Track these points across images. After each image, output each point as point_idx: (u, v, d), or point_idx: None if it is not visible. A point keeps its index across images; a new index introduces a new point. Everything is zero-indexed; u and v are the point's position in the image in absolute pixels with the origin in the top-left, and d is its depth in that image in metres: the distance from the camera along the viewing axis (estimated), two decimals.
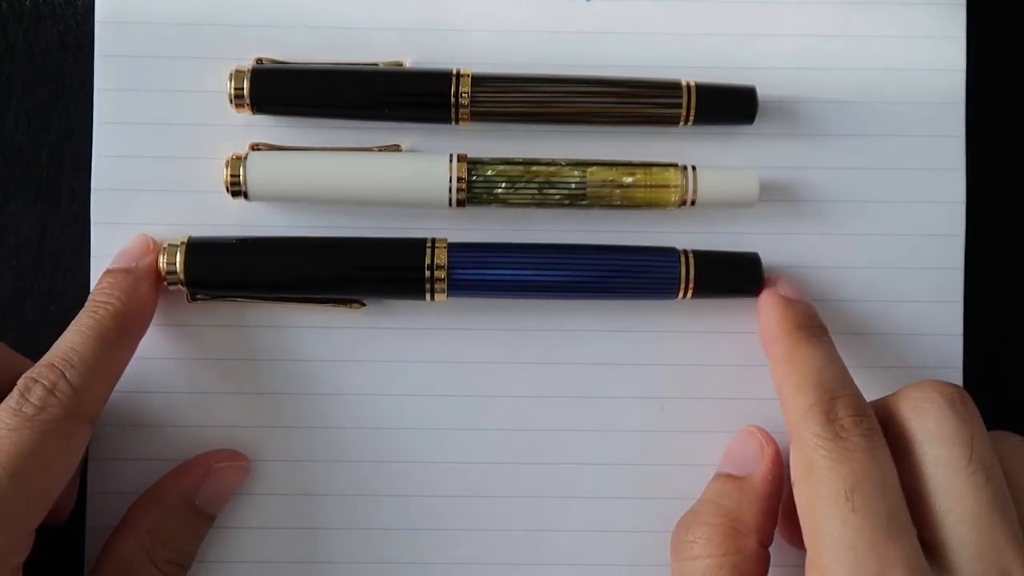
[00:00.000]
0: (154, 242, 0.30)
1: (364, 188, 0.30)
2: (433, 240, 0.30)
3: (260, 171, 0.30)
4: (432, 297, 0.29)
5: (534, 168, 0.30)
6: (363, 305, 0.31)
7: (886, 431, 0.25)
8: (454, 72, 0.30)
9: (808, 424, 0.25)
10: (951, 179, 0.32)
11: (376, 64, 0.31)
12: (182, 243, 0.29)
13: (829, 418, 0.25)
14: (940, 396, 0.25)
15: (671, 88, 0.30)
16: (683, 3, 0.32)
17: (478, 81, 0.30)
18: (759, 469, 0.28)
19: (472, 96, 0.30)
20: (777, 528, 0.28)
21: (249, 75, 0.30)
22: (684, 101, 0.30)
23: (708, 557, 0.26)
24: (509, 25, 0.31)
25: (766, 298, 0.29)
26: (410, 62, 0.31)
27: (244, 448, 0.31)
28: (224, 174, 0.30)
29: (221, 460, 0.30)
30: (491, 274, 0.29)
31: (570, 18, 0.31)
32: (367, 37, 0.31)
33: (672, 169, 0.30)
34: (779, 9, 0.32)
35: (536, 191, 0.30)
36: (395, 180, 0.30)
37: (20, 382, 0.26)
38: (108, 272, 0.29)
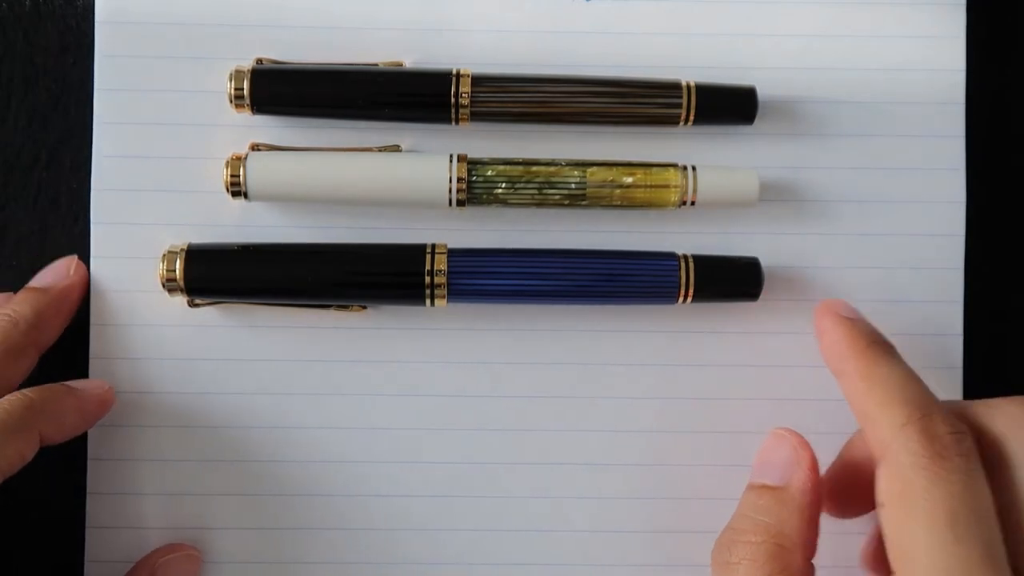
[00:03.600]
0: (78, 265, 0.31)
1: (364, 188, 0.30)
2: (433, 246, 0.30)
3: (260, 171, 0.30)
4: (432, 303, 0.29)
5: (534, 168, 0.30)
6: (364, 308, 0.31)
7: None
8: (454, 72, 0.30)
9: (904, 442, 0.23)
10: (951, 179, 0.32)
11: (376, 64, 0.31)
12: (181, 250, 0.29)
13: (928, 434, 0.23)
14: None
15: (671, 88, 0.30)
16: (683, 3, 0.32)
17: (478, 81, 0.30)
18: (796, 477, 0.26)
19: (472, 96, 0.30)
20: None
21: (249, 75, 0.30)
22: (684, 101, 0.30)
23: None
24: (509, 25, 0.31)
25: (829, 320, 0.28)
26: (410, 62, 0.31)
27: (244, 448, 0.31)
28: (224, 174, 0.30)
29: (164, 555, 0.30)
30: (491, 283, 0.29)
31: (570, 18, 0.31)
32: (367, 37, 0.31)
33: (672, 169, 0.30)
34: (779, 9, 0.32)
35: (536, 191, 0.30)
36: (395, 180, 0.30)
37: None
38: (25, 290, 0.30)
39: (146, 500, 0.31)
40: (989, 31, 0.32)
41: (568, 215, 0.31)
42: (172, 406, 0.31)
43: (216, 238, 0.30)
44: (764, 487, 0.26)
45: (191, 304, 0.30)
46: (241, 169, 0.30)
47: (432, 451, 0.31)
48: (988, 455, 0.24)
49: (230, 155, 0.30)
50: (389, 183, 0.30)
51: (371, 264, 0.30)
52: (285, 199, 0.30)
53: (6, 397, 0.27)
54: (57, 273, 0.30)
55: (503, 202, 0.30)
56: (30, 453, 0.27)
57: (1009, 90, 0.33)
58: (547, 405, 0.31)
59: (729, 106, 0.31)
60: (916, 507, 0.22)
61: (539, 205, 0.30)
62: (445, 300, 0.29)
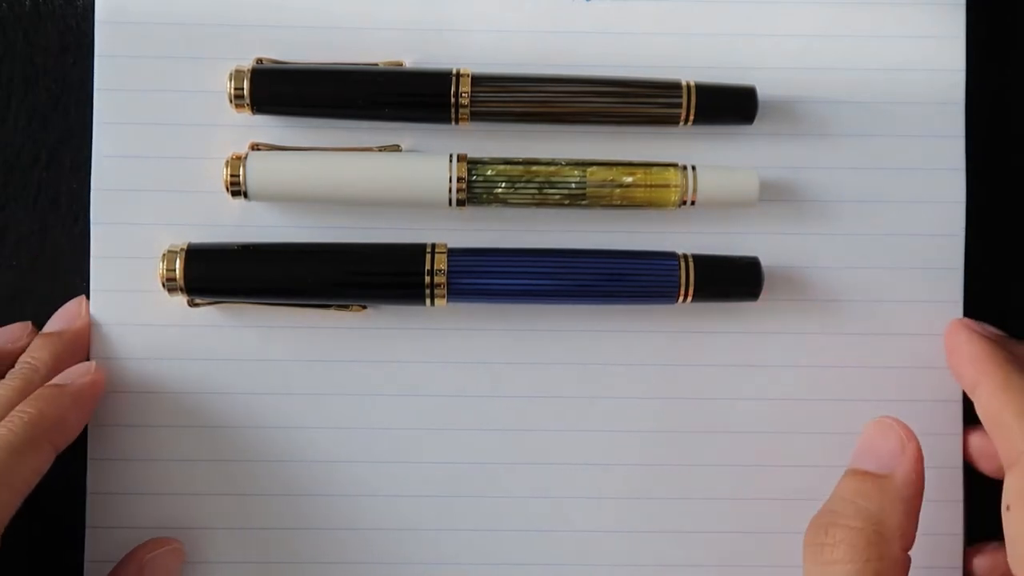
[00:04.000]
0: (86, 306, 0.31)
1: (364, 188, 0.30)
2: (433, 246, 0.30)
3: (260, 171, 0.30)
4: (432, 303, 0.29)
5: (534, 168, 0.30)
6: (364, 308, 0.31)
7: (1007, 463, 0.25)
8: (454, 72, 0.30)
9: None
10: (951, 179, 0.32)
11: (376, 64, 0.31)
12: (181, 249, 0.29)
13: None
14: None
15: (671, 88, 0.30)
16: (683, 3, 0.32)
17: (478, 81, 0.30)
18: (902, 467, 0.26)
19: (472, 96, 0.30)
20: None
21: (249, 75, 0.30)
22: (684, 101, 0.30)
23: (849, 563, 0.24)
24: (509, 25, 0.31)
25: (964, 332, 0.30)
26: (410, 62, 0.31)
27: (244, 448, 0.31)
28: (224, 174, 0.30)
29: (151, 550, 0.30)
30: (491, 283, 0.29)
31: (570, 18, 0.31)
32: (367, 37, 0.31)
33: (672, 169, 0.30)
34: (779, 9, 0.32)
35: (536, 191, 0.30)
36: (395, 180, 0.30)
37: None
38: (40, 335, 0.30)
39: (146, 500, 0.31)
40: (989, 31, 0.32)
41: (568, 215, 0.31)
42: (172, 406, 0.31)
43: (216, 238, 0.30)
44: (867, 474, 0.26)
45: (191, 304, 0.30)
46: (241, 169, 0.30)
47: (432, 451, 0.31)
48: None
49: (230, 155, 0.30)
50: (389, 183, 0.30)
51: (371, 264, 0.30)
52: (285, 199, 0.30)
53: (7, 417, 0.27)
54: (76, 372, 0.30)
55: (503, 202, 0.30)
56: (45, 466, 0.27)
57: (1009, 90, 0.33)
58: (547, 405, 0.31)
59: (729, 106, 0.31)
60: None
61: (539, 205, 0.30)
62: (445, 300, 0.29)
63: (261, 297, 0.30)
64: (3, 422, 0.27)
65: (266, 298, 0.30)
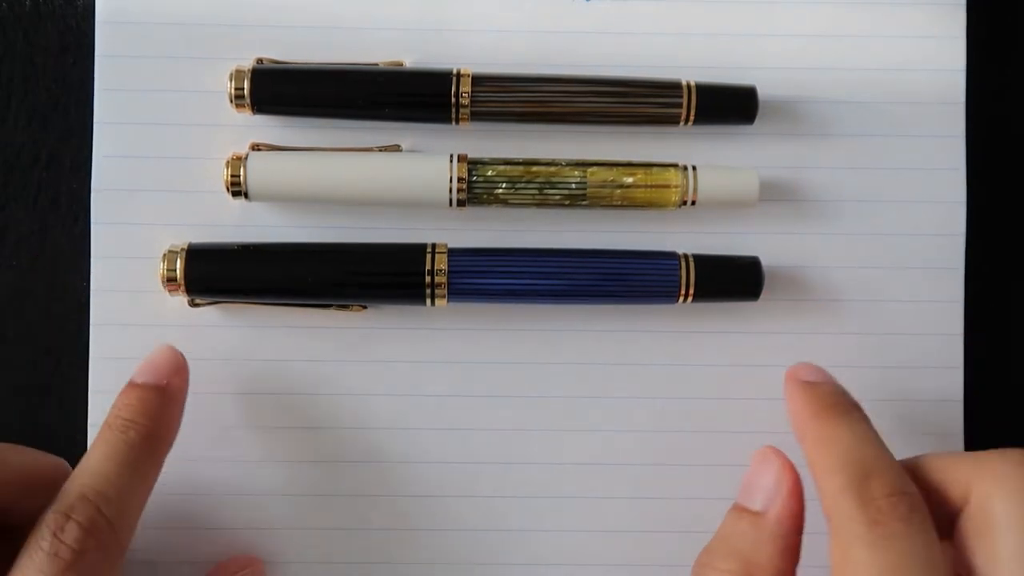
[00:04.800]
0: (182, 359, 0.28)
1: (364, 188, 0.30)
2: (433, 246, 0.30)
3: (260, 171, 0.30)
4: (432, 303, 0.29)
5: (534, 168, 0.30)
6: (364, 308, 0.31)
7: (955, 498, 0.24)
8: (454, 72, 0.30)
9: (841, 507, 0.23)
10: (951, 179, 0.32)
11: (376, 64, 0.31)
12: (182, 249, 0.29)
13: (863, 499, 0.22)
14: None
15: (671, 88, 0.30)
16: (683, 3, 0.32)
17: (478, 81, 0.30)
18: (775, 506, 0.25)
19: (472, 96, 0.30)
20: None
21: (249, 75, 0.30)
22: (684, 101, 0.30)
23: None
24: (509, 25, 0.31)
25: (788, 387, 0.28)
26: (410, 62, 0.31)
27: (243, 448, 0.31)
28: (224, 174, 0.30)
29: (238, 568, 0.29)
30: (491, 283, 0.29)
31: (570, 18, 0.31)
32: (367, 37, 0.31)
33: (672, 169, 0.30)
34: (779, 9, 0.32)
35: (536, 191, 0.30)
36: (395, 180, 0.30)
37: (50, 518, 0.23)
38: (135, 387, 0.27)
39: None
40: (989, 31, 0.32)
41: (568, 215, 0.31)
42: None
43: (216, 238, 0.30)
44: (744, 511, 0.26)
45: (191, 304, 0.30)
46: (241, 169, 0.30)
47: (432, 451, 0.31)
48: (973, 515, 0.23)
49: (230, 155, 0.30)
50: (389, 183, 0.30)
51: (371, 264, 0.30)
52: (285, 199, 0.30)
53: (125, 429, 0.26)
54: (164, 367, 0.28)
55: (503, 202, 0.30)
56: (157, 472, 0.26)
57: (1009, 90, 0.33)
58: (547, 405, 0.31)
59: (729, 106, 0.31)
60: (858, 565, 0.22)
61: (539, 205, 0.30)
62: (445, 300, 0.29)
63: (261, 297, 0.30)
64: (120, 435, 0.25)
65: (266, 298, 0.30)
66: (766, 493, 0.26)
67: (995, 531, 0.22)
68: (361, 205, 0.31)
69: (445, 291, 0.29)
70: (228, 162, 0.30)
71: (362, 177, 0.30)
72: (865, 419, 0.26)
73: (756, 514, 0.25)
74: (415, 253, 0.29)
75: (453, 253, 0.29)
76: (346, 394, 0.31)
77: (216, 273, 0.29)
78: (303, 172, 0.30)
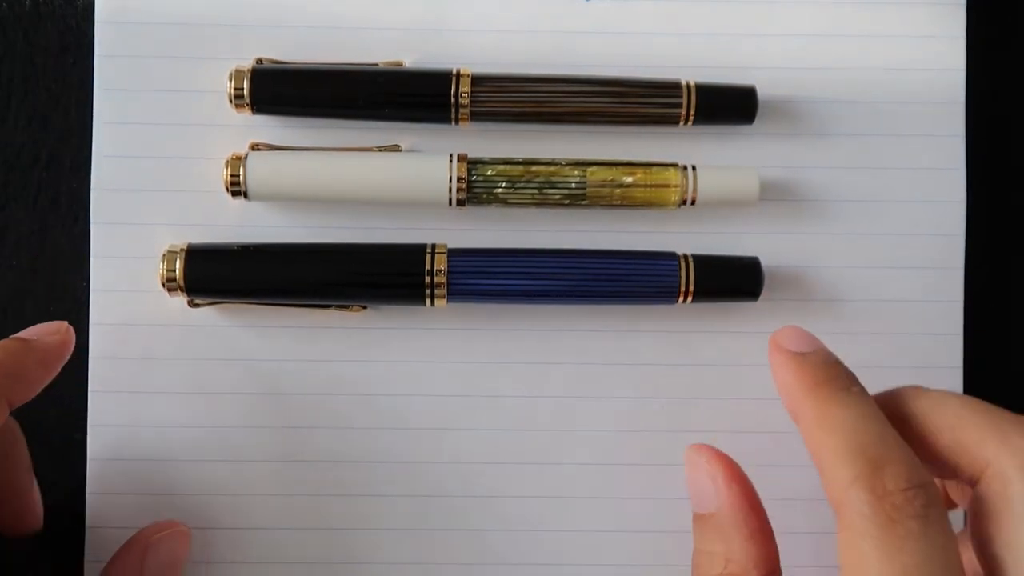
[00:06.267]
0: (65, 325, 0.28)
1: (364, 188, 0.30)
2: (433, 246, 0.30)
3: (260, 171, 0.30)
4: (432, 303, 0.29)
5: (534, 168, 0.30)
6: (363, 308, 0.31)
7: (967, 467, 0.22)
8: (454, 72, 0.30)
9: (853, 503, 0.21)
10: (951, 179, 0.32)
11: (376, 64, 0.31)
12: (181, 250, 0.29)
13: (876, 494, 0.21)
14: None
15: (671, 88, 0.30)
16: (683, 3, 0.32)
17: (478, 81, 0.30)
18: (719, 500, 0.24)
19: (472, 96, 0.30)
20: None
21: (249, 75, 0.30)
22: (684, 101, 0.30)
23: None
24: (509, 25, 0.31)
25: (775, 357, 0.25)
26: (410, 62, 0.31)
27: (244, 448, 0.31)
28: (224, 174, 0.30)
29: (155, 532, 0.29)
30: (491, 283, 0.29)
31: (570, 18, 0.31)
32: (367, 37, 0.31)
33: (672, 169, 0.30)
34: (779, 9, 0.32)
35: (536, 191, 0.30)
36: (395, 180, 0.30)
37: None
38: (9, 338, 0.27)
39: (146, 500, 0.31)
40: (989, 31, 0.32)
41: (568, 215, 0.31)
42: (172, 406, 0.31)
43: (216, 238, 0.30)
44: (700, 517, 0.25)
45: (191, 304, 0.30)
46: (241, 169, 0.30)
47: (431, 451, 0.31)
48: (990, 494, 0.22)
49: (230, 155, 0.30)
50: (389, 183, 0.30)
51: (371, 264, 0.30)
52: (285, 199, 0.30)
53: None
54: (46, 330, 0.28)
55: (503, 202, 0.30)
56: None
57: (1009, 90, 0.33)
58: (547, 405, 0.31)
59: (729, 106, 0.31)
60: (869, 567, 0.20)
61: (539, 205, 0.30)
62: (445, 300, 0.29)
63: (261, 297, 0.30)
64: None
65: (266, 298, 0.30)
66: (707, 494, 0.25)
67: (1016, 517, 0.21)
68: (361, 205, 0.31)
69: (445, 291, 0.29)
70: (228, 162, 0.30)
71: (362, 177, 0.30)
72: (865, 394, 0.24)
73: (711, 515, 0.25)
74: (415, 254, 0.29)
75: (453, 253, 0.29)
76: (346, 394, 0.31)
77: (216, 273, 0.29)
78: (303, 172, 0.30)
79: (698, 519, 0.25)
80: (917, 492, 0.21)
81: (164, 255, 0.29)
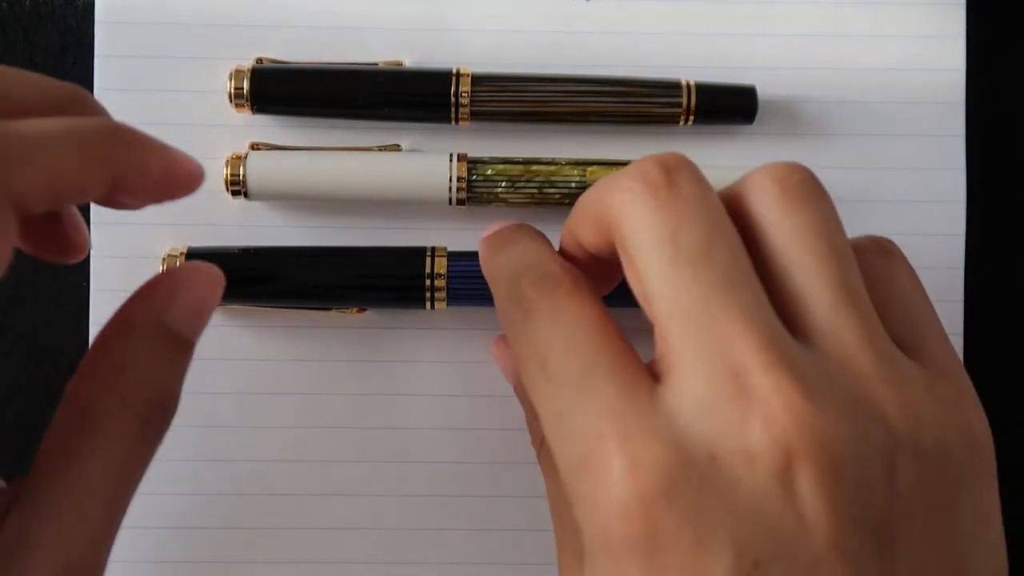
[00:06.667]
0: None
1: (364, 188, 0.30)
2: (433, 249, 0.30)
3: (260, 171, 0.30)
4: (432, 306, 0.29)
5: (534, 168, 0.30)
6: (364, 310, 0.31)
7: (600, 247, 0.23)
8: (454, 72, 0.30)
9: (627, 184, 0.21)
10: (951, 179, 0.32)
11: (376, 64, 0.31)
12: (181, 253, 0.29)
13: (513, 296, 0.22)
14: (638, 188, 0.21)
15: (671, 88, 0.30)
16: (683, 3, 0.32)
17: (478, 81, 0.30)
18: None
19: (472, 96, 0.30)
20: None
21: (249, 75, 0.30)
22: (684, 101, 0.30)
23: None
24: (509, 25, 0.31)
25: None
26: (410, 62, 0.31)
27: (244, 448, 0.31)
28: (224, 174, 0.30)
29: (191, 270, 0.24)
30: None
31: (570, 18, 0.31)
32: (367, 37, 0.31)
33: None
34: (779, 9, 0.32)
35: (536, 191, 0.30)
36: (395, 180, 0.30)
37: None
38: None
39: (146, 500, 0.30)
40: (989, 31, 0.32)
41: (568, 214, 0.31)
42: None
43: (216, 238, 0.30)
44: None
45: None
46: (241, 169, 0.30)
47: (431, 452, 0.31)
48: (621, 256, 0.22)
49: (230, 155, 0.30)
50: (389, 183, 0.30)
51: (371, 267, 0.30)
52: (285, 199, 0.30)
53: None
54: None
55: (503, 202, 0.30)
56: (95, 185, 0.21)
57: (1009, 90, 0.33)
58: None
59: (729, 106, 0.31)
60: (519, 352, 0.21)
61: (539, 204, 0.30)
62: (445, 303, 0.29)
63: (261, 300, 0.30)
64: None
65: (266, 301, 0.30)
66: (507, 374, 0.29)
67: (642, 264, 0.20)
68: (361, 205, 0.31)
69: (445, 295, 0.29)
70: (228, 162, 0.30)
71: (362, 177, 0.30)
72: (532, 237, 0.25)
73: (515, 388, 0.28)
74: (414, 256, 0.29)
75: (453, 257, 0.29)
76: (346, 394, 0.31)
77: None
78: (303, 172, 0.30)
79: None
80: (541, 277, 0.22)
81: (164, 258, 0.29)
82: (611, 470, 0.18)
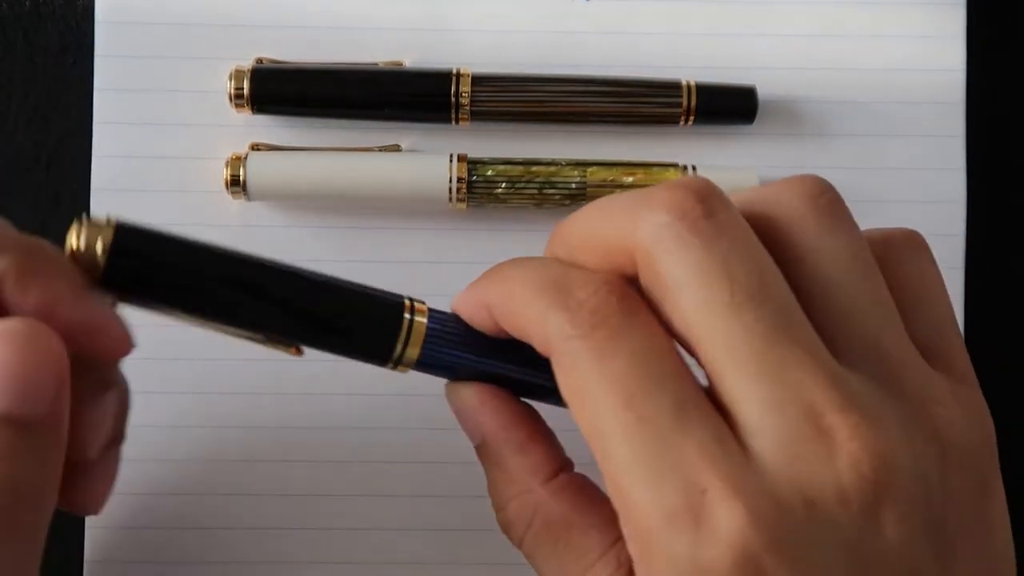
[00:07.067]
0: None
1: (364, 188, 0.30)
2: (412, 305, 0.24)
3: (260, 171, 0.30)
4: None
5: (534, 168, 0.30)
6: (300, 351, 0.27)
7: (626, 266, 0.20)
8: (454, 72, 0.30)
9: (553, 330, 0.20)
10: (951, 179, 0.32)
11: (376, 64, 0.31)
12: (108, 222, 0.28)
13: (571, 309, 0.20)
14: (672, 222, 0.19)
15: (671, 88, 0.30)
16: (683, 3, 0.32)
17: (478, 81, 0.30)
18: (482, 432, 0.24)
19: (472, 96, 0.30)
20: None
21: (249, 75, 0.30)
22: (684, 101, 0.30)
23: None
24: (509, 25, 0.31)
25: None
26: (410, 62, 0.31)
27: (245, 447, 0.31)
28: (224, 174, 0.30)
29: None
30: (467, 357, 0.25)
31: (570, 18, 0.31)
32: (367, 37, 0.31)
33: (672, 169, 0.30)
34: (779, 9, 0.32)
35: (536, 191, 0.30)
36: (395, 180, 0.30)
37: None
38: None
39: (146, 500, 0.31)
40: (989, 31, 0.32)
41: (568, 215, 0.31)
42: (172, 406, 0.31)
43: (216, 238, 0.30)
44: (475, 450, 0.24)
45: None
46: (241, 169, 0.30)
47: (431, 451, 0.31)
48: (645, 287, 0.20)
49: (230, 155, 0.30)
50: (389, 183, 0.30)
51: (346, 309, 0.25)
52: (285, 199, 0.30)
53: None
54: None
55: (503, 202, 0.30)
56: None
57: (1009, 90, 0.33)
58: (547, 405, 0.31)
59: (729, 106, 0.31)
60: (591, 395, 0.19)
61: (539, 205, 0.30)
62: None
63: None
64: None
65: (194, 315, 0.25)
66: (470, 430, 0.25)
67: (675, 293, 0.19)
68: (361, 205, 0.31)
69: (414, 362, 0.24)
70: (228, 162, 0.30)
71: (362, 177, 0.30)
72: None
73: (478, 446, 0.25)
74: (391, 305, 0.24)
75: (433, 317, 0.24)
76: (345, 394, 0.31)
77: None
78: (303, 172, 0.30)
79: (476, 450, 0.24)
80: (608, 288, 0.20)
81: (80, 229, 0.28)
82: (716, 524, 0.17)
